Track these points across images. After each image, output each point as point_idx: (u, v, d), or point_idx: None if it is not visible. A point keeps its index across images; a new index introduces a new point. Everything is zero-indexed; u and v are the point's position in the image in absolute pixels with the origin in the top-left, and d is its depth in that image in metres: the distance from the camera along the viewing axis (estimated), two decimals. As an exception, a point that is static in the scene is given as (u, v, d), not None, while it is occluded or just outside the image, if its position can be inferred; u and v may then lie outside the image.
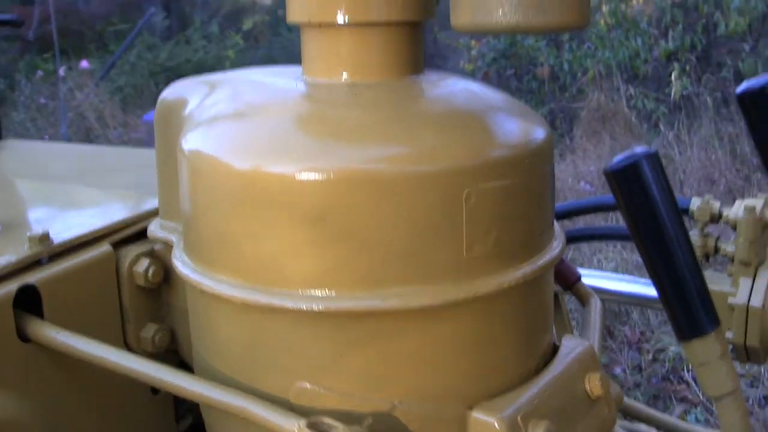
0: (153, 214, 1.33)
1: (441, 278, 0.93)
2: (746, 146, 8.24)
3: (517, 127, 1.04)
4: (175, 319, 1.30)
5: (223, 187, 0.98)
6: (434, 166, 0.92)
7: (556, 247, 1.06)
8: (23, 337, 1.15)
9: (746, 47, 9.69)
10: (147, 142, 10.76)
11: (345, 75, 1.05)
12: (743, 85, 1.18)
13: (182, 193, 1.08)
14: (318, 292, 0.93)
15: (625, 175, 0.92)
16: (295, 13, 1.06)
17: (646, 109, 9.67)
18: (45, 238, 1.20)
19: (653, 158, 0.93)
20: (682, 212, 1.71)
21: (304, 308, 0.93)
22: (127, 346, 1.29)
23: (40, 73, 12.31)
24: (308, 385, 0.96)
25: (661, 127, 9.20)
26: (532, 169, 0.99)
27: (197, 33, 18.68)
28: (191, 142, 1.05)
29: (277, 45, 19.42)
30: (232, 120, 1.07)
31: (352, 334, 0.95)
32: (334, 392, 0.96)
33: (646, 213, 0.94)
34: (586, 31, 9.49)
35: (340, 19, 1.02)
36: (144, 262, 1.26)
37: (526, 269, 0.99)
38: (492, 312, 0.98)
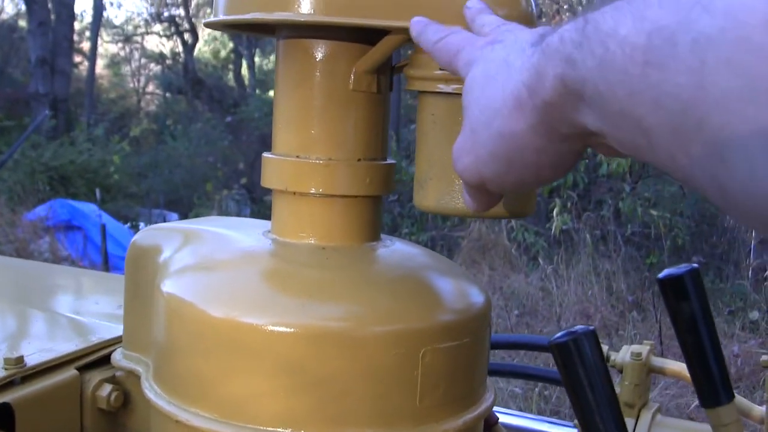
0: (115, 341, 1.42)
1: (396, 423, 1.05)
2: (622, 283, 8.49)
3: (463, 293, 1.18)
4: None
5: (200, 331, 1.07)
6: (395, 326, 1.04)
7: (489, 398, 1.19)
8: None
9: (626, 188, 10.05)
10: (30, 240, 10.81)
11: (313, 239, 1.17)
12: (665, 272, 1.28)
13: (158, 330, 1.17)
14: (288, 431, 1.03)
15: (567, 349, 1.07)
16: (271, 180, 1.18)
17: (526, 242, 9.92)
18: (20, 360, 1.28)
19: (592, 335, 1.08)
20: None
21: (275, 443, 1.03)
22: None
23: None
24: None
25: (540, 260, 9.44)
26: (475, 331, 1.12)
27: (83, 135, 18.56)
28: (169, 286, 1.14)
29: (162, 153, 19.40)
30: (210, 271, 1.17)
31: (317, 468, 1.04)
32: None
33: (583, 381, 1.08)
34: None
35: (313, 190, 1.15)
36: (106, 388, 1.34)
37: (466, 417, 1.11)
38: (437, 453, 1.10)
